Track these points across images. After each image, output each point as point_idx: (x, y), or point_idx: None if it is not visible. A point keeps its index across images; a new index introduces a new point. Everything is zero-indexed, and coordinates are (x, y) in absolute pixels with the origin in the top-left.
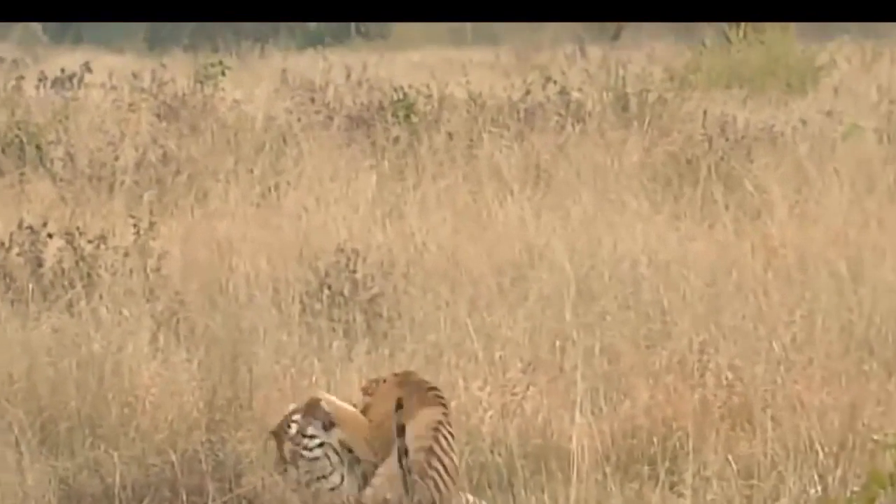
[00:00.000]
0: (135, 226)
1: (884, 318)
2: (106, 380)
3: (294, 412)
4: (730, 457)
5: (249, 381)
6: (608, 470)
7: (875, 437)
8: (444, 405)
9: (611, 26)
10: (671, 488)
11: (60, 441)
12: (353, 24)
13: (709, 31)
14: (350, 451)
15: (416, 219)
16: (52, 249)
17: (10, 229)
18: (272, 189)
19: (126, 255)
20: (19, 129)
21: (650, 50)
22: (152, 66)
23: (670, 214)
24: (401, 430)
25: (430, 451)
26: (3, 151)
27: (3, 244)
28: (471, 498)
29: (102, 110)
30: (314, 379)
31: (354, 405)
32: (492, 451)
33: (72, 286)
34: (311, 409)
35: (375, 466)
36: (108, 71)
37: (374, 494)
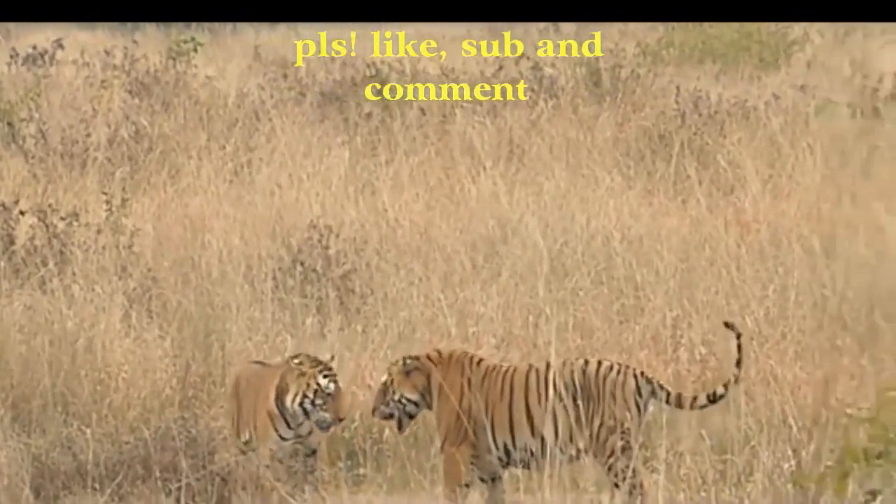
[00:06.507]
0: (107, 203)
1: (857, 293)
2: (78, 357)
3: None
4: (703, 432)
5: (222, 358)
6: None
7: (848, 411)
8: None
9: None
10: (645, 463)
11: (33, 419)
12: None
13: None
14: None
15: (388, 195)
16: (24, 227)
17: None
18: (245, 166)
19: (98, 232)
20: None
21: (623, 25)
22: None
23: (643, 190)
24: None
25: None
26: None
27: None
28: None
29: (74, 87)
30: (287, 355)
31: None
32: None
33: (44, 264)
34: None
35: None
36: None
37: None
